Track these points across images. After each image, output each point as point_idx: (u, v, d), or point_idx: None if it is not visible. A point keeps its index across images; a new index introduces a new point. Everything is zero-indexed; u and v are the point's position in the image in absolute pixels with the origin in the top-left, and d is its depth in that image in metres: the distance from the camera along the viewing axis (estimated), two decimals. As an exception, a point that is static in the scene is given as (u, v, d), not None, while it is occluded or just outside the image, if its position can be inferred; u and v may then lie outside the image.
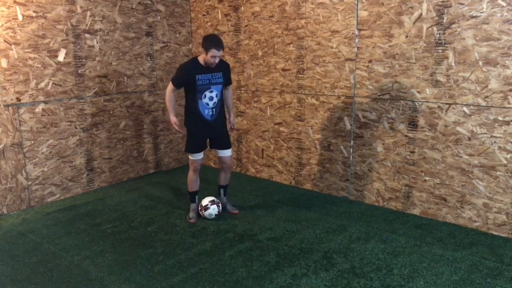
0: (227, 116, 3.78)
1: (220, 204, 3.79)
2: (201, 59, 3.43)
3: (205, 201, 3.75)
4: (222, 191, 3.94)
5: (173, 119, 3.54)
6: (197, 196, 3.81)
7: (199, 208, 3.76)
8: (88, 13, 4.30)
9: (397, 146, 3.80)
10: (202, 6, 5.15)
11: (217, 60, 3.37)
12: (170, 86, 3.53)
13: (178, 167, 5.45)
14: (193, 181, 3.74)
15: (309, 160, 4.46)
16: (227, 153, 3.74)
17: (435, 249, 3.15)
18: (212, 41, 3.32)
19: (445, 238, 3.33)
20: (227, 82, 3.64)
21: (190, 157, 3.67)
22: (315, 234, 3.44)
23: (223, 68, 3.55)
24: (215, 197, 3.87)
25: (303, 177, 4.56)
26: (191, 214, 3.77)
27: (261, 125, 4.84)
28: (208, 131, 3.61)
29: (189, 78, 3.42)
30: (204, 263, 3.00)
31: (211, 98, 3.50)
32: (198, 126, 3.57)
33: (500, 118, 3.22)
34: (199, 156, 3.67)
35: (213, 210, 3.71)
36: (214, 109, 3.54)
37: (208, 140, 3.73)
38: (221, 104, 3.60)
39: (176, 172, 5.23)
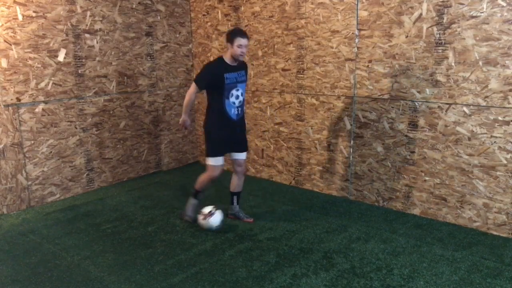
0: None
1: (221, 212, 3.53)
2: (227, 57, 3.37)
3: (207, 208, 3.51)
4: (235, 198, 3.73)
5: (184, 118, 3.46)
6: (201, 194, 3.64)
7: (202, 218, 3.50)
8: (88, 13, 4.30)
9: (397, 146, 3.80)
10: (202, 6, 5.15)
11: (244, 50, 3.30)
12: (192, 88, 3.38)
13: (178, 167, 5.45)
14: (205, 184, 3.56)
15: (309, 160, 4.46)
16: (243, 156, 3.60)
17: (435, 249, 3.15)
18: (236, 31, 3.34)
19: (445, 238, 3.33)
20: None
21: (210, 163, 3.46)
22: (315, 234, 3.44)
23: (244, 66, 3.54)
24: (216, 205, 3.69)
25: (303, 177, 4.56)
26: (189, 211, 3.63)
27: (261, 125, 4.84)
28: (232, 132, 3.49)
29: (217, 77, 3.33)
30: (204, 263, 3.00)
31: (237, 97, 3.42)
32: (223, 128, 3.44)
33: (500, 118, 3.22)
34: (220, 161, 3.48)
35: (218, 216, 3.45)
36: (239, 108, 3.46)
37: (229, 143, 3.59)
38: (244, 103, 3.53)
39: (176, 172, 5.23)
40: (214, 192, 4.46)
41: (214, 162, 3.47)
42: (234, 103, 3.42)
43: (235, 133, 3.53)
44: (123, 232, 3.53)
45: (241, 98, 3.46)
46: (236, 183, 3.69)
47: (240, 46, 3.27)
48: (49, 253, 3.18)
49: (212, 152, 3.47)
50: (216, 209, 3.49)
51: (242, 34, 3.30)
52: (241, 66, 3.47)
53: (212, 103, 3.46)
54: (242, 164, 3.64)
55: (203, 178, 3.56)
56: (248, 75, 4.79)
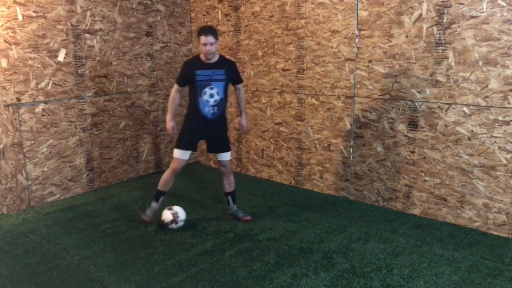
0: (240, 117, 3.73)
1: (171, 211, 3.53)
2: (202, 55, 3.42)
3: (167, 215, 3.52)
4: (230, 198, 3.74)
5: (169, 124, 3.50)
6: (162, 197, 3.64)
7: (170, 223, 3.50)
8: (88, 13, 4.30)
9: (397, 146, 3.80)
10: (202, 6, 5.15)
11: (208, 47, 3.30)
12: (174, 86, 3.52)
13: (178, 167, 5.45)
14: (167, 181, 3.58)
15: (309, 160, 4.46)
16: (226, 156, 3.59)
17: (435, 249, 3.15)
18: (200, 29, 3.37)
19: (445, 238, 3.33)
20: (233, 80, 3.57)
21: (175, 155, 3.50)
22: (315, 234, 3.44)
23: (226, 65, 3.48)
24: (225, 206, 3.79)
25: (303, 177, 4.56)
26: (149, 212, 3.65)
27: (261, 125, 4.84)
28: (206, 131, 3.50)
29: (189, 73, 3.39)
30: (204, 263, 3.00)
31: (211, 95, 3.39)
32: (195, 123, 3.48)
33: (500, 118, 3.22)
34: (185, 156, 3.50)
35: (181, 216, 3.52)
36: (215, 107, 3.42)
37: (206, 143, 3.69)
38: (223, 103, 3.49)
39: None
40: (214, 192, 4.46)
41: (180, 155, 3.49)
42: (208, 101, 3.40)
43: (212, 131, 3.53)
44: (123, 232, 3.53)
45: (216, 97, 3.41)
46: (226, 183, 3.70)
47: (204, 44, 3.30)
48: (49, 253, 3.18)
49: (180, 145, 3.49)
50: (173, 215, 3.51)
51: (205, 31, 3.31)
52: (221, 65, 3.44)
53: (189, 101, 3.54)
54: (227, 164, 3.63)
55: (164, 174, 3.58)
56: (248, 75, 4.81)
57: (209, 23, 5.10)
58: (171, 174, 3.55)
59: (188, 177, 4.92)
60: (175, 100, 3.52)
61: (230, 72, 3.49)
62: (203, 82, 3.38)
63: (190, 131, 3.51)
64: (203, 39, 3.31)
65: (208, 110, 3.42)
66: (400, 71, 3.67)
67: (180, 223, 3.52)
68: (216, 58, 3.42)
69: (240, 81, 3.65)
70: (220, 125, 3.56)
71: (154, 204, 3.66)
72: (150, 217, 3.65)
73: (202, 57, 3.41)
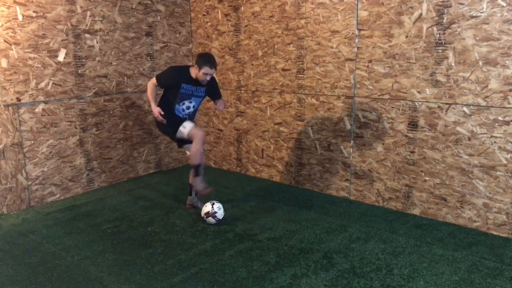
0: (217, 103, 3.88)
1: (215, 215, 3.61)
2: (192, 71, 3.58)
3: (208, 207, 3.62)
4: (193, 190, 3.93)
5: (156, 109, 3.55)
6: (201, 169, 3.67)
7: (207, 216, 3.59)
8: (88, 13, 4.30)
9: (397, 146, 3.80)
10: (202, 6, 5.15)
11: (208, 78, 3.52)
12: (153, 81, 3.62)
13: (178, 167, 5.45)
14: (199, 151, 3.57)
15: (309, 160, 4.46)
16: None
17: (435, 249, 3.15)
18: (207, 60, 3.50)
19: (445, 238, 3.33)
20: (213, 96, 3.81)
21: (185, 131, 3.54)
22: (315, 234, 3.44)
23: (209, 83, 3.66)
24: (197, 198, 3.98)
25: (303, 177, 4.56)
26: (200, 186, 3.64)
27: (261, 125, 4.84)
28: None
29: (175, 83, 3.56)
30: (204, 263, 3.00)
31: (188, 107, 3.67)
32: (169, 116, 3.59)
33: (500, 118, 3.22)
34: (189, 125, 3.56)
35: (219, 212, 3.61)
36: (187, 115, 3.71)
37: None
38: (196, 112, 3.79)
39: (176, 172, 5.23)
40: (214, 192, 4.46)
41: (186, 129, 3.54)
42: (183, 110, 3.67)
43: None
44: (123, 232, 3.53)
45: (191, 110, 3.70)
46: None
47: (205, 74, 3.49)
48: (49, 253, 3.18)
49: (174, 127, 3.57)
50: (213, 208, 3.61)
51: (211, 64, 3.47)
52: (204, 84, 3.62)
53: (165, 98, 3.67)
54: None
55: (194, 147, 3.53)
56: (248, 75, 4.81)
57: (209, 23, 5.10)
58: (200, 142, 3.54)
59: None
60: (154, 91, 3.62)
61: (210, 89, 3.75)
62: (185, 95, 3.61)
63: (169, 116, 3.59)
64: (208, 70, 3.47)
65: (181, 114, 3.68)
66: (400, 71, 3.67)
67: (216, 220, 3.60)
68: None
69: (220, 96, 3.90)
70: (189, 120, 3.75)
71: (198, 179, 3.63)
72: (205, 187, 3.64)
73: (193, 75, 3.57)
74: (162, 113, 3.54)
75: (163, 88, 3.70)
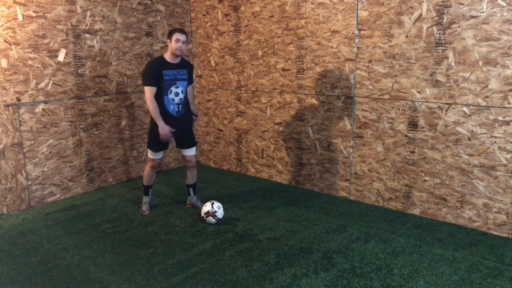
0: (192, 110, 3.91)
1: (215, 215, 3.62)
2: (167, 55, 3.60)
3: (206, 207, 3.64)
4: (191, 190, 3.99)
5: (166, 128, 3.50)
6: (151, 190, 3.96)
7: (207, 215, 3.61)
8: (88, 13, 4.30)
9: (397, 146, 3.80)
10: (202, 6, 5.15)
11: (180, 44, 3.50)
12: (148, 91, 3.51)
13: (178, 167, 5.45)
14: (149, 176, 3.87)
15: (309, 160, 4.46)
16: (191, 152, 3.83)
17: (435, 249, 3.15)
18: (174, 29, 3.61)
19: (445, 238, 3.33)
20: (190, 81, 3.79)
21: (149, 155, 3.78)
22: (315, 234, 3.44)
23: (188, 66, 3.74)
24: (191, 197, 4.02)
25: (303, 177, 4.56)
26: (144, 207, 3.93)
27: (261, 125, 4.84)
28: (174, 128, 3.59)
29: (156, 74, 3.54)
30: (204, 263, 3.00)
31: (176, 94, 3.61)
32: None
33: (500, 118, 3.22)
34: (159, 155, 3.79)
35: (219, 212, 3.61)
36: (180, 105, 3.65)
37: (174, 139, 3.77)
38: (186, 101, 3.72)
39: (176, 172, 5.23)
40: (214, 192, 4.47)
41: (153, 155, 3.77)
42: (173, 99, 3.62)
43: (179, 129, 3.67)
44: (123, 232, 3.53)
45: (181, 96, 3.65)
46: (189, 176, 3.93)
47: (177, 40, 3.49)
48: (49, 253, 3.18)
49: (151, 146, 3.73)
50: (213, 207, 3.62)
51: (181, 30, 3.56)
52: (184, 66, 3.68)
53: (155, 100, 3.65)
54: (191, 159, 3.87)
55: (146, 170, 3.87)
56: (248, 75, 4.81)
57: (209, 23, 5.10)
58: (151, 170, 3.85)
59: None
60: (154, 104, 3.53)
61: (190, 73, 3.74)
62: (169, 81, 3.58)
63: (158, 133, 3.55)
64: (178, 35, 3.51)
65: (173, 108, 3.62)
66: (400, 71, 3.67)
67: (216, 219, 3.61)
68: (179, 58, 3.64)
69: (193, 81, 3.96)
70: (185, 122, 3.75)
71: (146, 198, 3.96)
72: (148, 210, 3.93)
73: (167, 56, 3.59)
74: (173, 130, 3.56)
75: (157, 87, 3.58)
